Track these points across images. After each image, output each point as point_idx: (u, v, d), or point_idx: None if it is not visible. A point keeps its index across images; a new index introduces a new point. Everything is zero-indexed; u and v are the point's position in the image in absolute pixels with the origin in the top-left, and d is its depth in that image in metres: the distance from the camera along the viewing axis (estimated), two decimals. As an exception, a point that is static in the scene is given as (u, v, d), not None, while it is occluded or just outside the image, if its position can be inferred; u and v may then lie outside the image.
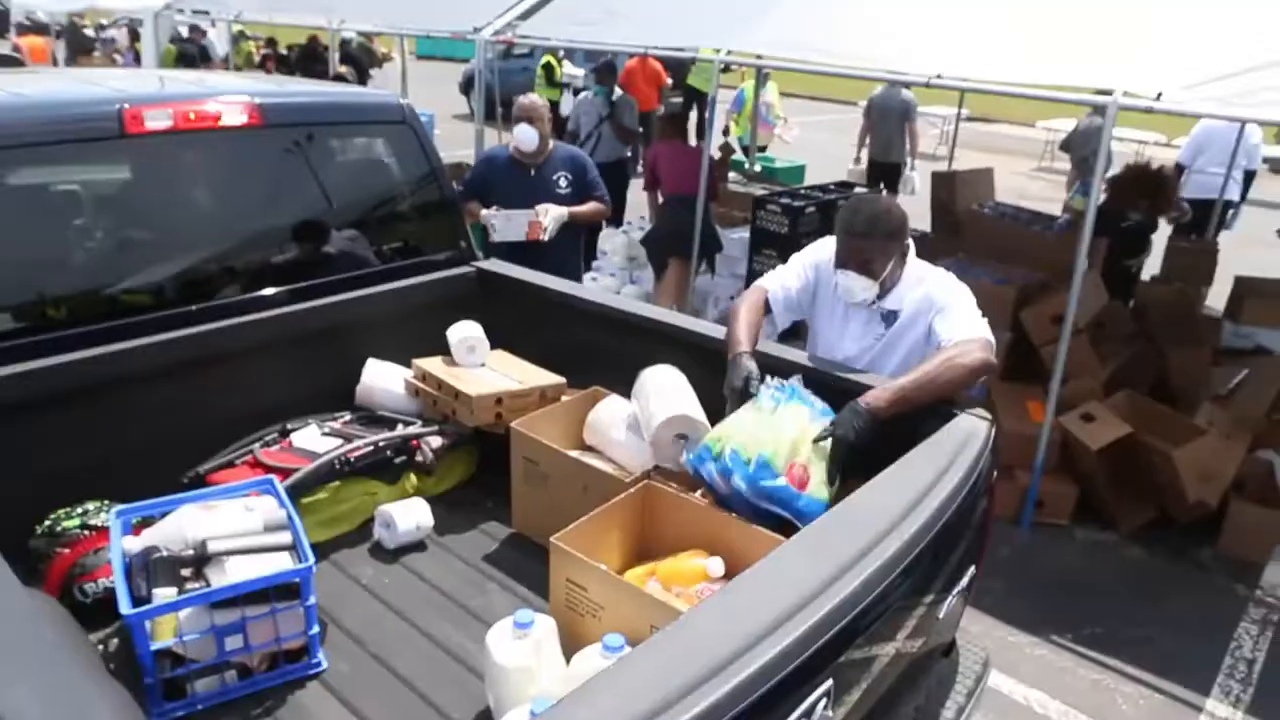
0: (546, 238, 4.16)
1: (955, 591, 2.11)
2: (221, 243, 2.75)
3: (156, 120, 2.48)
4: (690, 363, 2.60)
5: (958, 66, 4.41)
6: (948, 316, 2.48)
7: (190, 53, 11.15)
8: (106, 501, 2.35)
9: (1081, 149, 8.10)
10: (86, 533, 2.28)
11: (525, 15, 6.31)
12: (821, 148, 10.08)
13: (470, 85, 16.74)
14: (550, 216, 4.18)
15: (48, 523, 2.30)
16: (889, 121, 8.57)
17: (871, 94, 8.80)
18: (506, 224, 4.17)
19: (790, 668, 1.38)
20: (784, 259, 5.64)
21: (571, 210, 4.33)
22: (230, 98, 2.66)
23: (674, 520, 2.25)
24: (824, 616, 1.46)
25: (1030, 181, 12.48)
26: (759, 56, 6.07)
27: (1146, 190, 5.54)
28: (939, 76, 4.37)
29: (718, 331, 2.75)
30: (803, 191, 6.63)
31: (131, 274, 2.58)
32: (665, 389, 2.42)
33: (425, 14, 7.15)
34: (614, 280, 6.86)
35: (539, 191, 4.32)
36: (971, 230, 5.99)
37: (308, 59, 12.51)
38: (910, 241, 2.65)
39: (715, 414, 2.36)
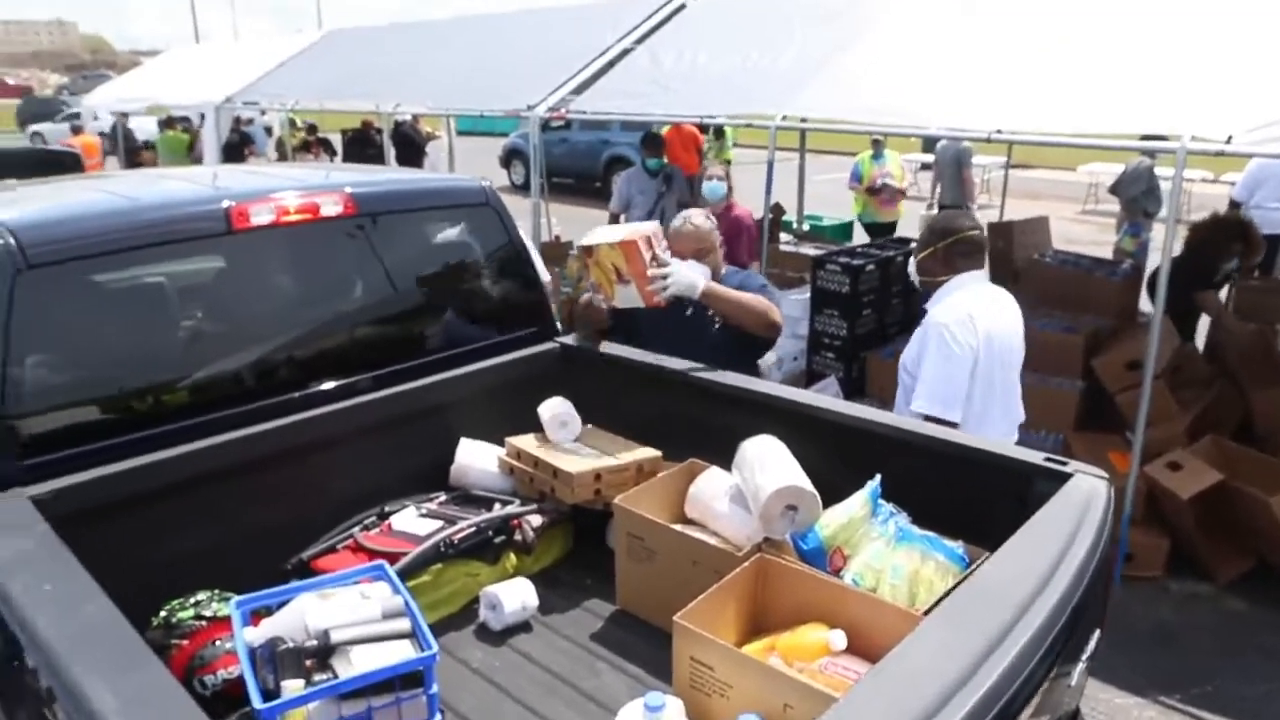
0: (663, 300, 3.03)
1: (1085, 658, 2.05)
2: (318, 331, 2.82)
3: (260, 216, 2.57)
4: (783, 431, 2.58)
5: (1016, 120, 4.44)
6: None
7: (233, 141, 11.58)
8: (217, 590, 2.37)
9: (1130, 190, 8.07)
10: (202, 623, 2.29)
11: (578, 90, 6.53)
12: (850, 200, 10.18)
13: (510, 158, 17.19)
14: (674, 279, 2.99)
15: (163, 614, 2.31)
16: (946, 170, 8.80)
17: (939, 144, 9.06)
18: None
19: None
20: (846, 318, 5.88)
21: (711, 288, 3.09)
22: (327, 190, 2.74)
23: (789, 593, 2.22)
24: (984, 695, 1.43)
25: (1075, 225, 12.43)
26: (802, 120, 6.11)
27: (1237, 236, 5.46)
28: (999, 131, 4.40)
29: (808, 398, 2.75)
30: (859, 250, 6.66)
31: (234, 365, 2.64)
32: (769, 460, 2.40)
33: (479, 95, 7.37)
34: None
35: (691, 332, 3.26)
36: (1032, 279, 5.95)
37: (358, 143, 12.93)
38: None
39: (819, 483, 2.35)
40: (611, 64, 6.87)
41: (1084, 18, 4.85)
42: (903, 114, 4.92)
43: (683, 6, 7.27)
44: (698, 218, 3.37)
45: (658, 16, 7.15)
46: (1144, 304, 5.83)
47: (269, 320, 2.74)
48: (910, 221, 9.62)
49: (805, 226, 9.07)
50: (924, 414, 2.87)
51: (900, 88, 5.05)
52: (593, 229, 3.14)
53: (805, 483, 2.27)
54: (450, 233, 3.16)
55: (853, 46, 5.64)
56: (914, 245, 3.35)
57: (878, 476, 2.33)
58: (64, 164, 10.24)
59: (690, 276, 3.02)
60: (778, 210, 8.82)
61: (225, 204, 2.52)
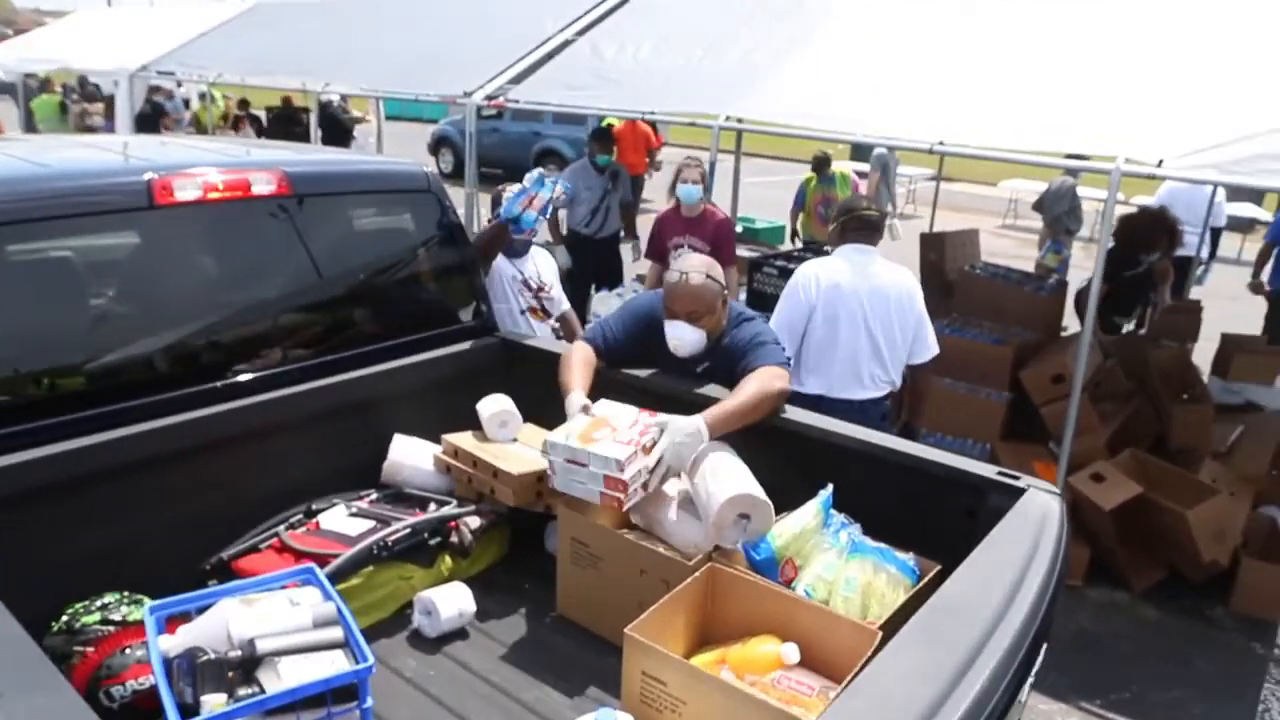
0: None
1: (1034, 670, 2.04)
2: (245, 316, 2.64)
3: (185, 191, 2.39)
4: (734, 438, 2.52)
5: (956, 132, 4.49)
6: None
7: (146, 112, 11.03)
8: (126, 593, 2.20)
9: (1054, 208, 8.31)
10: (109, 629, 2.12)
11: (516, 79, 6.36)
12: (785, 207, 10.25)
13: (439, 145, 16.83)
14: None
15: (65, 618, 2.13)
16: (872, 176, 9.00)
17: (877, 152, 9.23)
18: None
19: None
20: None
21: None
22: (260, 168, 2.57)
23: (740, 603, 2.16)
24: (963, 715, 1.39)
25: (995, 239, 12.78)
26: (740, 120, 6.05)
27: (1164, 228, 5.60)
28: (940, 143, 4.43)
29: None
30: (795, 254, 6.66)
31: (147, 349, 2.45)
32: (721, 468, 2.34)
33: (413, 78, 7.13)
34: None
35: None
36: (963, 290, 6.06)
37: (283, 121, 12.45)
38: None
39: (771, 491, 2.30)
40: (552, 54, 6.70)
41: (1028, 38, 4.93)
42: (845, 121, 4.90)
43: (625, 0, 7.15)
44: (696, 276, 2.73)
45: (600, 9, 7.00)
46: (1068, 319, 6.00)
47: (189, 303, 2.55)
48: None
49: (739, 229, 9.09)
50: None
51: (844, 95, 5.06)
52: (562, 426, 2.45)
53: (758, 491, 2.21)
54: (388, 219, 3.01)
55: (798, 51, 5.62)
56: None
57: (830, 486, 2.29)
58: None
59: (681, 451, 2.35)
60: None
61: (147, 176, 2.34)
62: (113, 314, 2.44)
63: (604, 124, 7.71)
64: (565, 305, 4.24)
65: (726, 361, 2.76)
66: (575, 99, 6.11)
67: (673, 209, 5.41)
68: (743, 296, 6.25)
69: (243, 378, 2.55)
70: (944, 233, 7.44)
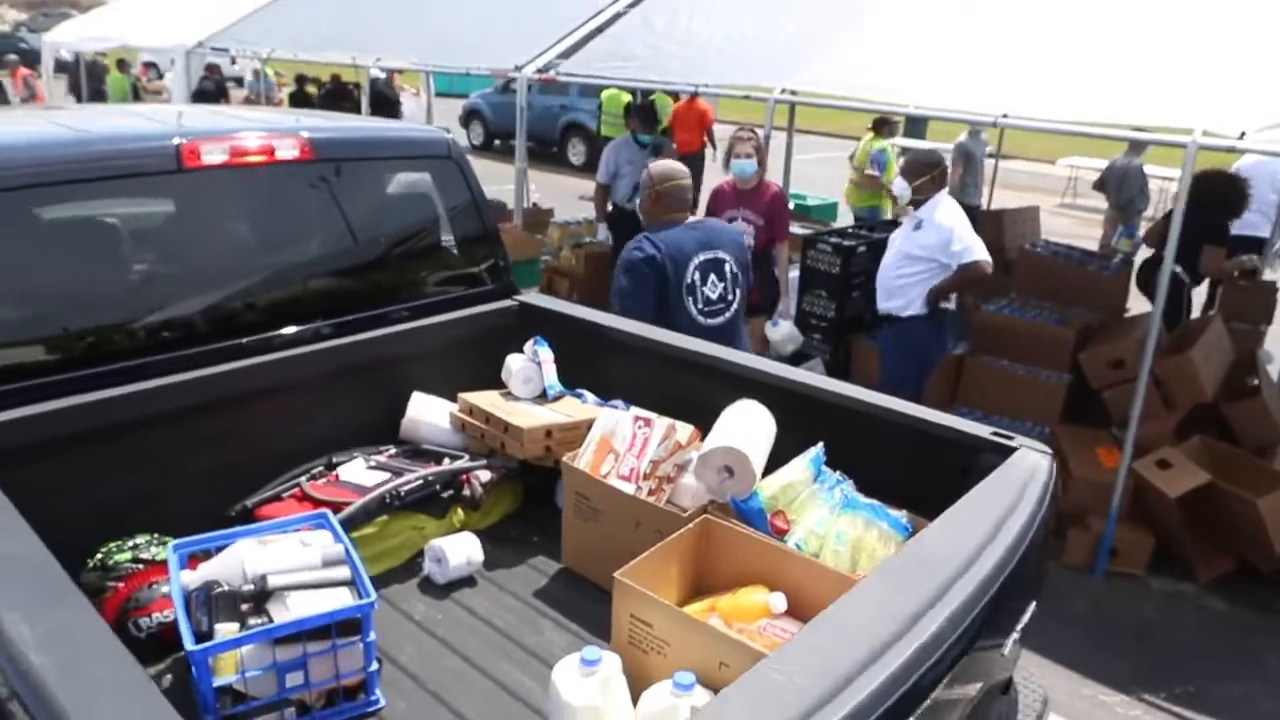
0: None
1: (1019, 628, 2.08)
2: (271, 276, 2.76)
3: (212, 155, 2.50)
4: (741, 396, 2.58)
5: (1021, 105, 4.35)
6: None
7: (207, 89, 11.34)
8: (156, 534, 2.34)
9: (1123, 191, 8.03)
10: (139, 566, 2.26)
11: (567, 53, 6.36)
12: (834, 185, 10.02)
13: (470, 118, 17.03)
14: None
15: (99, 556, 2.28)
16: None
17: (960, 140, 8.77)
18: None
19: (882, 709, 1.35)
20: (834, 299, 5.93)
21: None
22: (284, 133, 2.68)
23: (733, 555, 2.23)
24: (914, 654, 1.44)
25: (1054, 219, 12.40)
26: (795, 94, 5.84)
27: (1240, 193, 5.46)
28: (1005, 116, 4.34)
29: (763, 365, 2.75)
30: (850, 230, 6.55)
31: (181, 307, 2.58)
32: (726, 421, 2.41)
33: (465, 52, 7.19)
34: None
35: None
36: (1024, 270, 5.94)
37: (336, 97, 12.67)
38: None
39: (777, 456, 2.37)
40: (603, 27, 6.69)
41: (1095, 4, 4.77)
42: (905, 94, 4.83)
43: None
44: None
45: None
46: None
47: (218, 263, 2.68)
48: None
49: (791, 205, 9.01)
50: None
51: (902, 67, 4.95)
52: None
53: (742, 446, 2.27)
54: (410, 183, 3.10)
55: (855, 23, 5.52)
56: None
57: (820, 444, 2.34)
58: None
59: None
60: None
61: (176, 141, 2.46)
62: (144, 272, 2.58)
63: (649, 100, 7.72)
64: None
65: None
66: (626, 71, 6.12)
67: (728, 182, 5.31)
68: (795, 274, 6.19)
69: (268, 335, 2.67)
70: (1003, 210, 7.28)
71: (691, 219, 3.73)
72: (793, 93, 5.71)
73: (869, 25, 5.43)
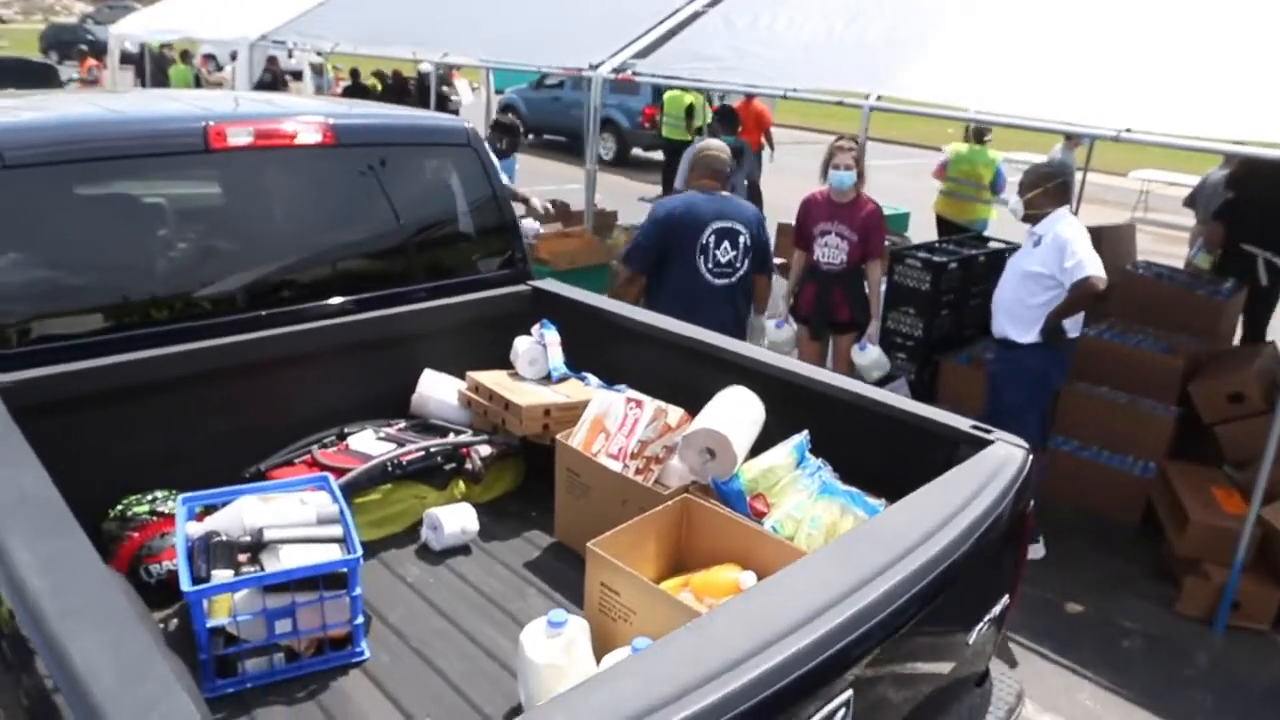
0: None
1: (986, 619, 2.12)
2: (292, 253, 2.91)
3: (238, 137, 2.65)
4: (736, 384, 2.65)
5: (1144, 118, 4.06)
6: None
7: (266, 81, 11.69)
8: (174, 490, 2.49)
9: (1211, 204, 7.68)
10: (154, 518, 2.42)
11: (644, 52, 6.19)
12: (907, 194, 9.51)
13: (505, 113, 17.19)
14: None
15: (119, 507, 2.44)
16: None
17: (1053, 157, 7.96)
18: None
19: (805, 669, 1.42)
20: (922, 317, 5.59)
21: None
22: (307, 118, 2.82)
23: (710, 534, 2.30)
24: (842, 623, 1.50)
25: (1128, 234, 12.02)
26: (890, 99, 5.27)
27: None
28: (1128, 130, 4.06)
29: (759, 354, 2.82)
30: (939, 245, 6.15)
31: (206, 279, 2.74)
32: (713, 405, 2.48)
33: (536, 50, 7.05)
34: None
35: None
36: (1124, 293, 5.48)
37: (397, 92, 12.98)
38: None
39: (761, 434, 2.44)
40: (681, 26, 6.42)
41: (1216, 10, 4.48)
42: (1014, 104, 4.47)
43: None
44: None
45: None
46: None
47: (244, 240, 2.83)
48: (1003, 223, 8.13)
49: None
50: None
51: (1006, 74, 4.61)
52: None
53: (725, 429, 2.34)
54: (429, 169, 3.23)
55: (950, 24, 5.20)
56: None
57: (805, 431, 2.40)
58: (41, 73, 11.01)
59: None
60: None
61: (204, 123, 2.61)
62: (173, 246, 2.73)
63: (727, 103, 7.32)
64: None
65: None
66: (706, 72, 5.91)
67: (821, 192, 4.94)
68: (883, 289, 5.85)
69: (288, 308, 2.82)
70: (1100, 227, 6.68)
71: (734, 198, 4.27)
72: (892, 100, 5.24)
73: (964, 29, 5.09)
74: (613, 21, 6.77)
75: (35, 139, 2.45)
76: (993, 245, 6.30)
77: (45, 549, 1.57)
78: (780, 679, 1.38)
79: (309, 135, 2.80)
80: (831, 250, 4.79)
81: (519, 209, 5.81)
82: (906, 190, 9.12)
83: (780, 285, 5.91)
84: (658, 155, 14.24)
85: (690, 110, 12.43)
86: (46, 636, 1.36)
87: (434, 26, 8.53)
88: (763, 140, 11.08)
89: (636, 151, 15.64)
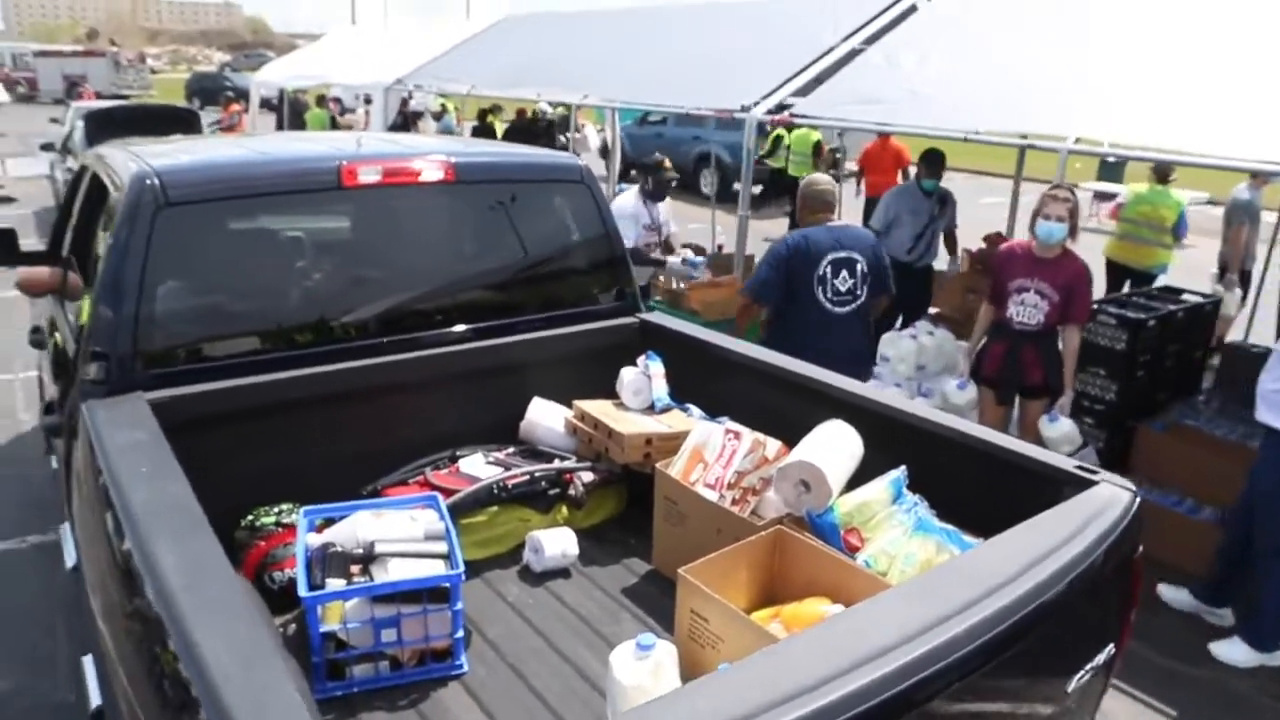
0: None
1: (1088, 668, 2.04)
2: (414, 283, 3.09)
3: (368, 175, 2.86)
4: (839, 419, 2.65)
5: None
6: None
7: (397, 124, 12.37)
8: (299, 504, 2.67)
9: None
10: (280, 529, 2.60)
11: (803, 91, 6.03)
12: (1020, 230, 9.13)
13: (605, 151, 17.39)
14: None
15: (249, 518, 2.63)
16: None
17: (1238, 196, 7.55)
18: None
19: (880, 698, 1.42)
20: (1116, 379, 5.08)
21: None
22: (431, 157, 3.01)
23: (803, 567, 2.31)
24: (920, 656, 1.49)
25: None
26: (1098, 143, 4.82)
27: None
28: None
29: (863, 390, 2.81)
30: (1131, 298, 5.64)
31: (335, 307, 2.94)
32: (811, 438, 2.49)
33: (681, 91, 7.00)
34: (900, 391, 5.48)
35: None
36: None
37: (522, 132, 13.48)
38: None
39: (860, 468, 2.44)
40: (837, 65, 6.26)
41: None
42: (1213, 143, 4.20)
43: (913, 8, 6.57)
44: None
45: (886, 17, 6.50)
46: None
47: (369, 270, 3.04)
48: (1184, 270, 7.62)
49: None
50: None
51: (1198, 110, 4.35)
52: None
53: (820, 462, 2.34)
54: (544, 205, 3.37)
55: (1127, 59, 4.98)
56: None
57: (903, 466, 2.38)
58: (184, 118, 11.78)
59: None
60: (998, 243, 7.22)
61: (338, 163, 2.82)
62: (307, 276, 2.96)
63: (934, 146, 6.60)
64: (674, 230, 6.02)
65: None
66: (875, 114, 5.67)
67: (1021, 244, 4.53)
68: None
69: (412, 335, 2.99)
70: None
71: (851, 227, 4.46)
72: (1076, 140, 4.84)
73: (1142, 62, 4.87)
74: (760, 60, 6.69)
75: (193, 179, 2.71)
76: (1187, 298, 5.70)
77: (184, 551, 1.74)
78: (854, 707, 1.39)
79: (432, 173, 2.98)
80: (1028, 309, 4.34)
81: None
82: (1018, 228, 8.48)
83: (950, 337, 5.74)
84: (756, 189, 14.44)
85: (817, 147, 12.42)
86: (179, 627, 1.51)
87: (569, 69, 8.66)
88: (899, 180, 10.83)
89: (736, 186, 15.73)
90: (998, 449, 2.41)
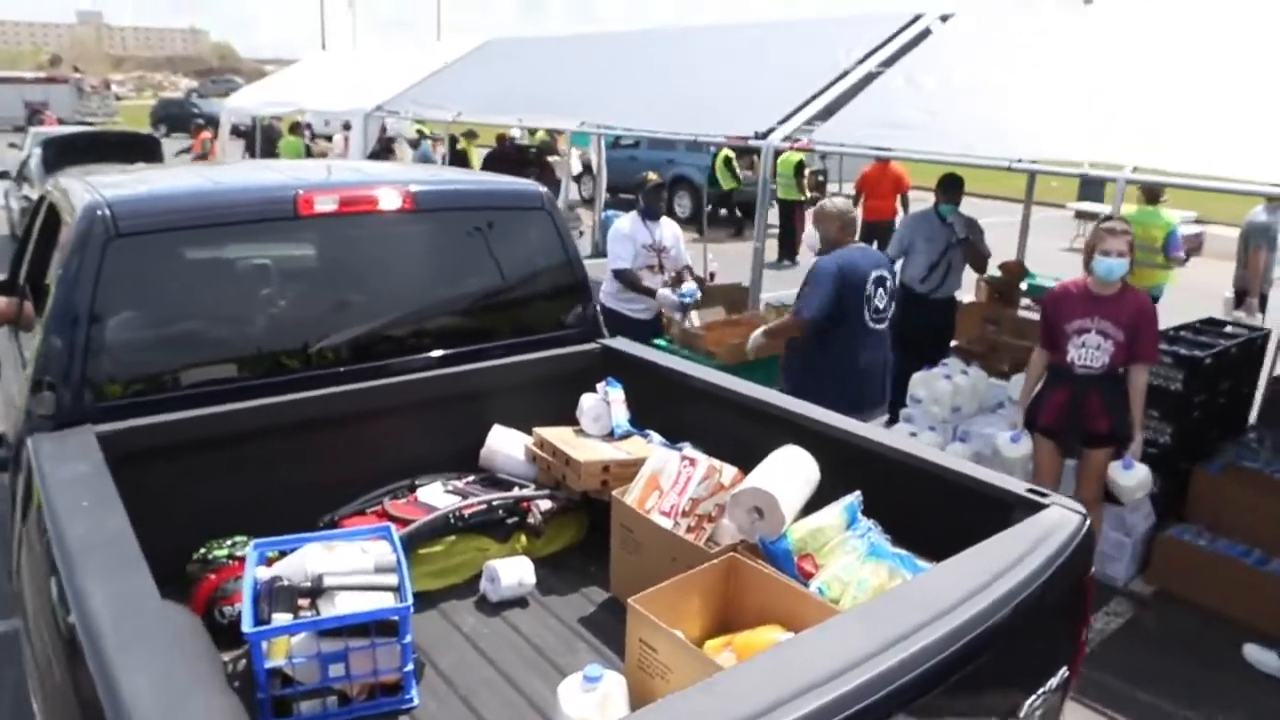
0: None
1: (1041, 691, 2.03)
2: (374, 311, 3.08)
3: (324, 204, 2.85)
4: (794, 444, 2.65)
5: None
6: None
7: (377, 151, 12.36)
8: (254, 536, 2.64)
9: None
10: (232, 561, 2.56)
11: (822, 116, 5.85)
12: (1039, 257, 8.51)
13: (582, 174, 17.32)
14: None
15: (202, 550, 2.60)
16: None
17: (1255, 219, 7.55)
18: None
19: None
20: (1171, 421, 4.89)
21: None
22: (389, 185, 3.01)
23: (756, 594, 2.29)
24: (864, 683, 1.48)
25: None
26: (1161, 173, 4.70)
27: None
28: None
29: (819, 415, 2.80)
30: (1182, 332, 5.35)
31: (292, 335, 2.93)
32: (764, 465, 2.49)
33: (684, 117, 6.77)
34: (934, 435, 5.21)
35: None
36: None
37: (509, 164, 13.42)
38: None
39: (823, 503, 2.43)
40: (856, 89, 6.06)
41: None
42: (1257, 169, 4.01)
43: (927, 31, 6.42)
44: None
45: (902, 39, 6.34)
46: None
47: (328, 299, 3.03)
48: (1183, 291, 7.53)
49: (1022, 285, 7.57)
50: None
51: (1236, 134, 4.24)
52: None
53: (773, 488, 2.33)
54: (504, 232, 3.36)
55: (1182, 86, 4.76)
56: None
57: (857, 492, 2.38)
58: (145, 145, 11.90)
59: None
60: (1016, 270, 7.37)
61: (294, 192, 2.82)
62: (263, 305, 2.94)
63: (953, 171, 6.25)
64: (685, 261, 5.84)
65: None
66: (901, 140, 5.41)
67: (1074, 283, 4.23)
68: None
69: (363, 365, 2.97)
70: None
71: (871, 248, 4.70)
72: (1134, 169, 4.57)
73: (1202, 89, 4.66)
74: (768, 85, 6.46)
75: (145, 209, 2.69)
76: (1231, 330, 5.54)
77: (115, 585, 1.71)
78: None
79: (391, 201, 2.98)
80: (1090, 351, 4.06)
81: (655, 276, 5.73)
82: (1034, 252, 8.25)
83: (984, 376, 5.43)
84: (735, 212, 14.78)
85: (799, 169, 12.47)
86: (100, 661, 1.48)
87: (560, 94, 8.38)
88: (898, 206, 10.65)
89: (723, 210, 15.87)
90: (948, 473, 2.41)
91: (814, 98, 6.07)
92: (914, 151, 5.47)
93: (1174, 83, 4.94)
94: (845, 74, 6.22)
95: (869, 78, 6.14)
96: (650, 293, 5.68)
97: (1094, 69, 5.33)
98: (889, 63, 6.22)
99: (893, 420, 5.42)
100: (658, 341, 5.43)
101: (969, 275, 6.52)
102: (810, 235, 4.58)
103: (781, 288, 6.54)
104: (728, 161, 12.17)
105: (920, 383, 5.43)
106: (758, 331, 4.68)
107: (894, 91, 5.86)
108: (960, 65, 5.85)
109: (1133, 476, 4.08)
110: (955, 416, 5.36)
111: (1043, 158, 5.03)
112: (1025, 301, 6.80)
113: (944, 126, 5.33)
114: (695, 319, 5.72)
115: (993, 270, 7.06)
